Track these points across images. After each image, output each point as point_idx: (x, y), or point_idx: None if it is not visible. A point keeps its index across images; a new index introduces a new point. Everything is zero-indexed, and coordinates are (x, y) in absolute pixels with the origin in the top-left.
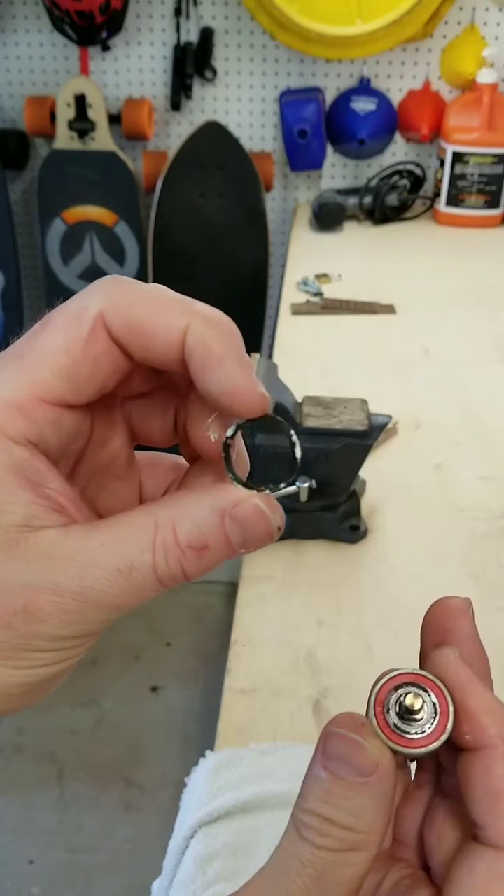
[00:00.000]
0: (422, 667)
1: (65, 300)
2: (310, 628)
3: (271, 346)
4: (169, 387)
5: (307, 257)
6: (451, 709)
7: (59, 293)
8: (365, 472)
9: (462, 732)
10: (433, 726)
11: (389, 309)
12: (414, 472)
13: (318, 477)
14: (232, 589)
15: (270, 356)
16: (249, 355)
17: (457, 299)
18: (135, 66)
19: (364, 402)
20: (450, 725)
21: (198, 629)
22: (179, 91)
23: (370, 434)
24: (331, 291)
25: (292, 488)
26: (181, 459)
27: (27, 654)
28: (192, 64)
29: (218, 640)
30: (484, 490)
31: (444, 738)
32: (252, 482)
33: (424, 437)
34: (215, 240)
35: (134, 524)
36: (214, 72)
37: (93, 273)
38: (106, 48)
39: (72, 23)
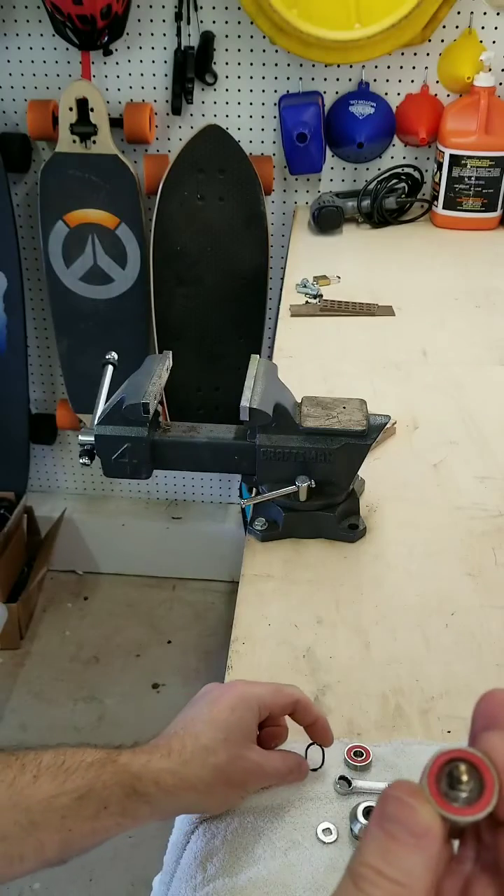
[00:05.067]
0: (471, 746)
1: (65, 300)
2: (309, 626)
3: (271, 348)
4: None
5: (306, 259)
6: (497, 785)
7: (61, 295)
8: (364, 471)
9: None
10: (479, 799)
11: (388, 310)
12: (412, 471)
13: (317, 476)
14: (232, 587)
15: (270, 357)
16: (249, 358)
17: (455, 301)
18: (136, 71)
19: (363, 402)
20: (494, 799)
21: (198, 627)
22: (180, 95)
23: (369, 434)
24: (330, 293)
25: (292, 487)
26: None
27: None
28: (192, 68)
29: (218, 637)
30: (481, 489)
31: (488, 809)
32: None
33: (422, 437)
34: (216, 242)
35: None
36: (215, 76)
37: (94, 275)
38: (107, 52)
39: (73, 27)
